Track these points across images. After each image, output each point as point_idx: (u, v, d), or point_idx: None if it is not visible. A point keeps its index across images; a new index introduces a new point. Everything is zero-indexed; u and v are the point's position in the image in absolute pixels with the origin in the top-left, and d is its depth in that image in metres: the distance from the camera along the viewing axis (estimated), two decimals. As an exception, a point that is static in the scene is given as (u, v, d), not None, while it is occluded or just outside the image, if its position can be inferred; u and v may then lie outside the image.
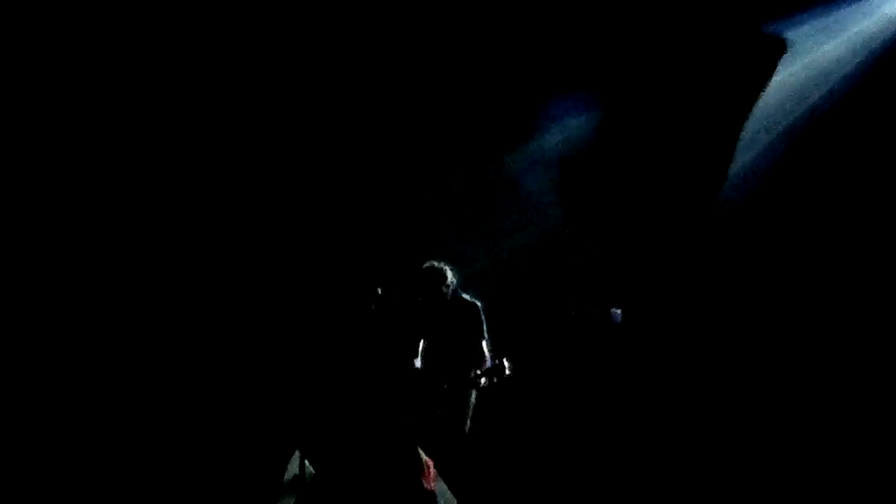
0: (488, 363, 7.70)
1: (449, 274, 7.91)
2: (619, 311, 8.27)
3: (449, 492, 7.26)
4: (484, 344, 7.94)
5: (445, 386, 7.65)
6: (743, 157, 9.56)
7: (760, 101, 9.46)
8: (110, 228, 9.33)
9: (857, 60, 9.38)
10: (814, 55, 9.46)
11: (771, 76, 9.36)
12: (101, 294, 9.22)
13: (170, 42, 9.21)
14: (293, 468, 7.26)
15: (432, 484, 7.03)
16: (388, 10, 9.40)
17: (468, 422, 7.95)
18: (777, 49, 9.29)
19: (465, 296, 8.05)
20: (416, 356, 7.84)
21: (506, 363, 7.47)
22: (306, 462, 7.16)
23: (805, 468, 8.43)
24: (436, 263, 7.95)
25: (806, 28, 9.39)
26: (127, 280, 9.29)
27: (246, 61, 9.44)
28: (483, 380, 7.54)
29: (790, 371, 9.03)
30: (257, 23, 9.32)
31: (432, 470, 7.08)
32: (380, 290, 7.63)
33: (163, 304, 9.29)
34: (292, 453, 7.30)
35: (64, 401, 8.77)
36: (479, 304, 8.02)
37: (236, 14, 9.23)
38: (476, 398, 7.95)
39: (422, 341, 7.91)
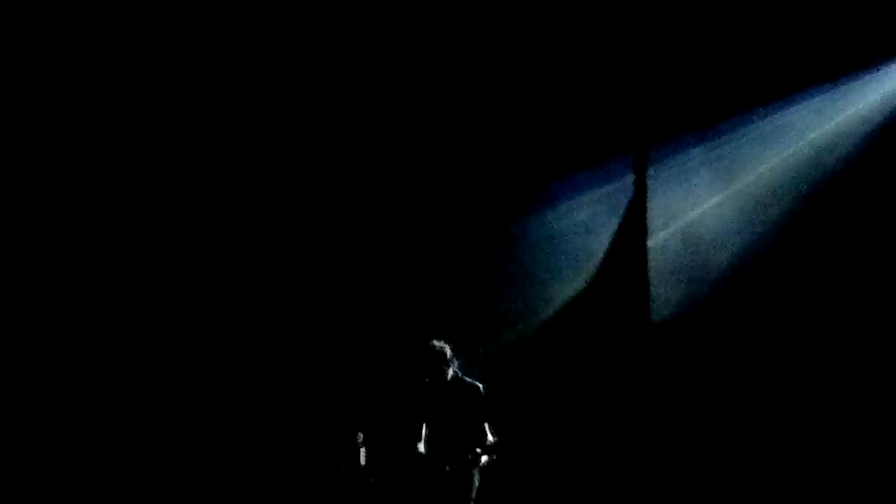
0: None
1: (449, 352, 8.00)
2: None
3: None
4: (487, 426, 7.99)
5: (448, 468, 7.69)
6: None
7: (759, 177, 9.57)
8: (110, 229, 9.33)
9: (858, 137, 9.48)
10: (814, 132, 9.56)
11: None
12: (96, 296, 9.19)
13: (170, 42, 9.30)
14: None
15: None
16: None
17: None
18: None
19: (467, 378, 8.12)
20: (420, 440, 7.88)
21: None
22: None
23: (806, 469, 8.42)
24: (436, 342, 8.04)
25: (806, 105, 9.49)
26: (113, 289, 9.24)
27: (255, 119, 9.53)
28: (484, 458, 7.61)
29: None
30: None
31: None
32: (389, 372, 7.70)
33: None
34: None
35: (53, 405, 8.71)
36: (480, 385, 8.08)
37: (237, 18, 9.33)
38: (479, 479, 7.96)
39: (424, 426, 7.96)
